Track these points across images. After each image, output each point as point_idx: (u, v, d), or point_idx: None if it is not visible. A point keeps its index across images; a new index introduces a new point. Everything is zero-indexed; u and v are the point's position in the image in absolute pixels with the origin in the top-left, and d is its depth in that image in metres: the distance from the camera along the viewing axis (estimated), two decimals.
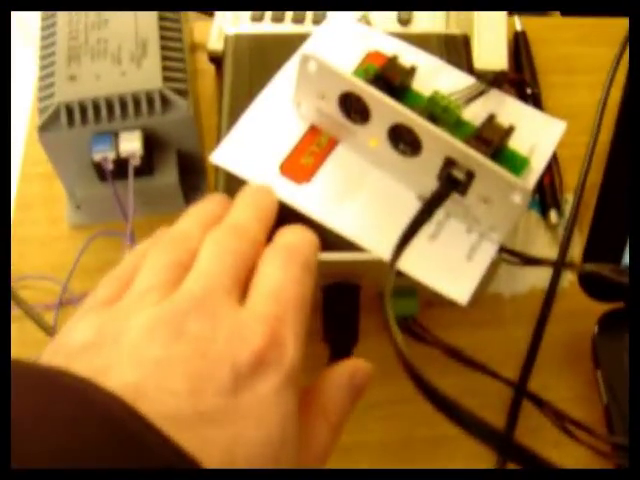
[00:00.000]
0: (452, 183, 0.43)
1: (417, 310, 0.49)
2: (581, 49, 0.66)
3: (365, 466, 0.49)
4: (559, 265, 0.53)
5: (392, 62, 0.47)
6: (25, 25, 1.36)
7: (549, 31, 0.67)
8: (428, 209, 0.42)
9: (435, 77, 0.49)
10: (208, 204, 0.41)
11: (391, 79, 0.46)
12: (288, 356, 0.32)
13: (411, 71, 0.47)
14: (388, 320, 0.38)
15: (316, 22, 0.60)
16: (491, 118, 0.46)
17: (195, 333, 0.31)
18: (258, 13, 0.61)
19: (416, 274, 0.44)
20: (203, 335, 0.31)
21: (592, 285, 0.50)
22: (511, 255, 0.45)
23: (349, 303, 0.48)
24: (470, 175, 0.42)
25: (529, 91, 0.61)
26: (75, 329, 0.32)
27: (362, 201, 0.46)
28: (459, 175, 0.42)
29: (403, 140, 0.44)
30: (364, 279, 0.47)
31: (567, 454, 0.46)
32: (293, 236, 0.39)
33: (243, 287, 0.35)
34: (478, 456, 0.49)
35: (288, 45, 0.52)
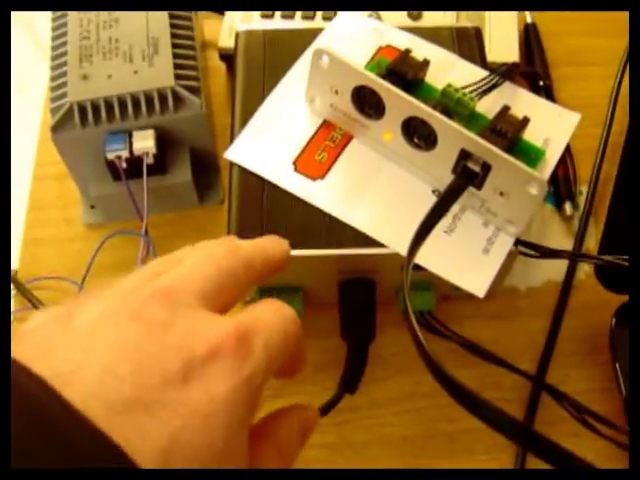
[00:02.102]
0: (468, 176, 0.43)
1: (434, 304, 0.49)
2: (592, 41, 0.66)
3: (385, 461, 0.49)
4: (576, 257, 0.53)
5: (404, 56, 0.47)
6: (33, 26, 1.37)
7: (559, 23, 0.67)
8: (445, 202, 0.42)
9: (448, 70, 0.49)
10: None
11: (404, 73, 0.46)
12: (251, 362, 0.30)
13: (424, 64, 0.47)
14: (407, 313, 0.38)
15: (327, 18, 0.60)
16: (505, 110, 0.46)
17: (152, 318, 0.29)
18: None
19: (433, 268, 0.44)
20: (161, 321, 0.29)
21: (609, 277, 0.49)
22: (528, 248, 0.45)
23: (365, 299, 0.48)
24: (486, 167, 0.42)
25: (541, 83, 0.61)
26: (35, 316, 0.31)
27: (377, 196, 0.46)
28: (475, 167, 0.42)
29: (417, 134, 0.44)
30: (380, 274, 0.47)
31: (586, 446, 0.46)
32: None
33: (222, 303, 0.33)
34: (498, 449, 0.48)
35: (300, 41, 0.52)
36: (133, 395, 0.26)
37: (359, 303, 0.47)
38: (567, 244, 0.56)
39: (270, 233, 0.44)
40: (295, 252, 0.44)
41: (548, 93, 0.61)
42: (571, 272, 0.54)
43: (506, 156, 0.41)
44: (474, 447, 0.49)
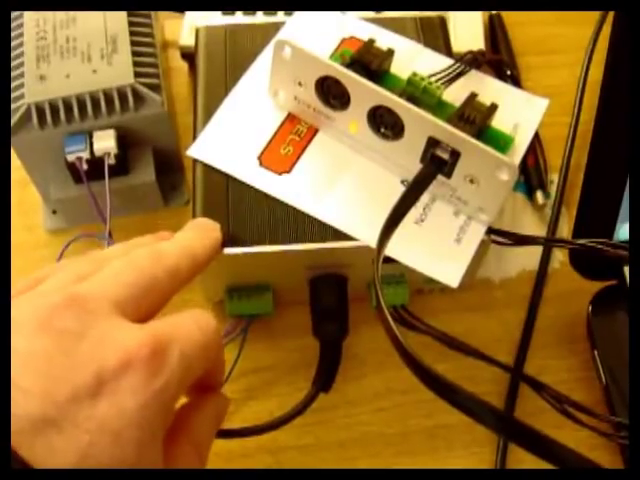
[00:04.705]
0: (437, 164, 0.42)
1: (407, 298, 0.48)
2: (558, 29, 0.65)
3: (363, 461, 0.47)
4: (548, 242, 0.52)
5: (368, 46, 0.46)
6: None
7: (524, 13, 0.66)
8: (413, 192, 0.41)
9: (413, 60, 0.49)
10: (148, 237, 0.39)
11: (368, 63, 0.45)
12: (164, 375, 0.29)
13: (388, 54, 0.46)
14: (380, 305, 0.37)
15: (288, 13, 0.59)
16: (472, 97, 0.45)
17: (63, 328, 0.28)
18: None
19: (405, 259, 0.43)
20: (72, 331, 0.28)
21: (583, 264, 0.49)
22: (500, 236, 0.44)
23: (337, 295, 0.47)
24: (455, 154, 0.41)
25: (508, 73, 0.61)
26: None
27: (345, 188, 0.45)
28: (444, 155, 0.41)
29: (384, 123, 0.44)
30: (351, 269, 0.46)
31: (568, 437, 0.45)
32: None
33: (143, 311, 0.32)
34: (477, 444, 0.48)
35: (261, 35, 0.51)
36: (41, 412, 0.26)
37: (330, 300, 0.46)
38: (540, 233, 0.55)
39: (236, 230, 0.43)
40: (262, 248, 0.43)
41: (515, 82, 0.60)
42: (545, 260, 0.53)
43: (475, 142, 0.40)
44: (453, 442, 0.48)
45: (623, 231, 0.47)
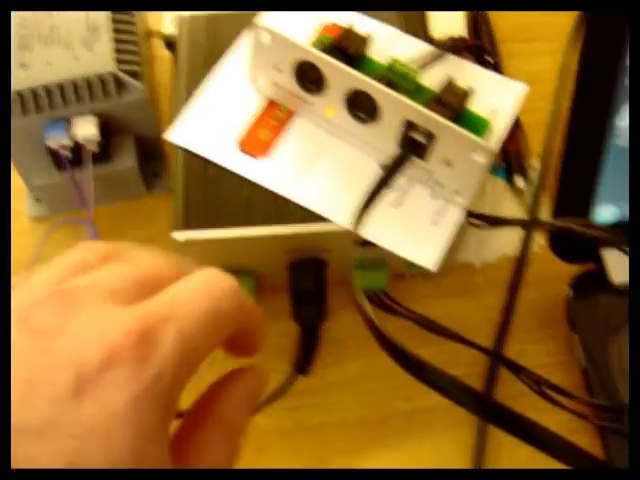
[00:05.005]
0: (412, 146, 0.42)
1: (387, 283, 0.48)
2: (540, 16, 0.65)
3: (342, 444, 0.48)
4: (529, 223, 0.52)
5: (347, 32, 0.46)
6: None
7: None
8: (389, 174, 0.42)
9: (392, 46, 0.49)
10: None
11: (346, 48, 0.45)
12: (157, 360, 0.25)
13: (366, 39, 0.46)
14: (354, 289, 0.37)
15: None
16: (450, 82, 0.45)
17: (41, 324, 0.25)
18: None
19: (382, 242, 0.43)
20: (50, 327, 0.25)
21: (563, 247, 0.49)
22: (478, 219, 0.44)
23: (316, 279, 0.47)
24: (430, 137, 0.41)
25: (489, 59, 0.61)
26: None
27: (323, 172, 0.45)
28: (419, 138, 0.42)
29: (361, 107, 0.44)
30: (331, 254, 0.46)
31: (547, 419, 0.45)
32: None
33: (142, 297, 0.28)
34: (456, 426, 0.48)
35: (243, 24, 0.51)
36: (20, 420, 0.24)
37: (309, 284, 0.47)
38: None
39: (216, 215, 0.44)
40: (242, 232, 0.44)
41: (496, 69, 0.60)
42: (526, 240, 0.53)
43: (450, 124, 0.40)
44: (432, 425, 0.48)
45: (600, 213, 0.48)
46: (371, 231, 0.41)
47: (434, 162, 0.42)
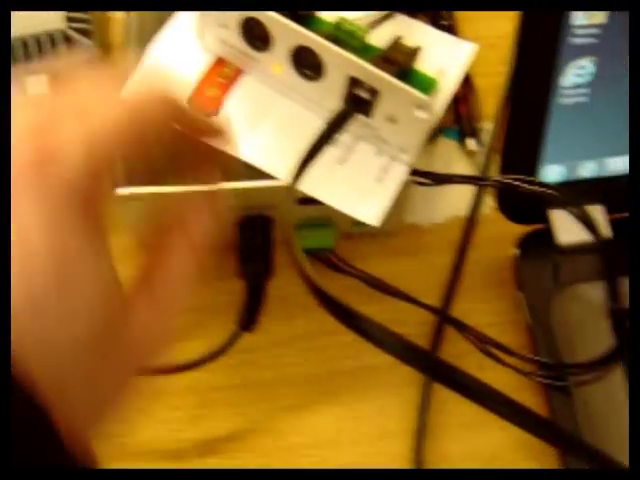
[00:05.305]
0: (356, 103, 0.42)
1: (334, 242, 0.48)
2: None
3: (289, 400, 0.48)
4: (475, 180, 0.52)
5: None
6: None
7: None
8: (330, 129, 0.42)
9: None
10: None
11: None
12: (53, 167, 0.25)
13: None
14: (294, 246, 0.37)
15: None
16: (397, 40, 0.45)
17: None
18: None
19: (324, 198, 0.43)
20: None
21: (511, 207, 0.49)
22: (422, 176, 0.44)
23: (263, 236, 0.47)
24: (374, 93, 0.41)
25: (444, 23, 0.61)
26: None
27: (268, 129, 0.45)
28: (363, 94, 0.41)
29: (307, 64, 0.44)
30: (277, 211, 0.47)
31: (492, 377, 0.45)
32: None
33: None
34: (402, 384, 0.48)
35: None
36: None
37: (254, 240, 0.47)
38: None
39: (160, 171, 0.43)
40: (185, 187, 0.43)
41: (452, 33, 0.60)
42: (475, 204, 0.53)
43: (393, 80, 0.40)
44: (378, 383, 0.49)
45: (546, 173, 0.48)
46: (314, 188, 0.41)
47: (378, 119, 0.42)
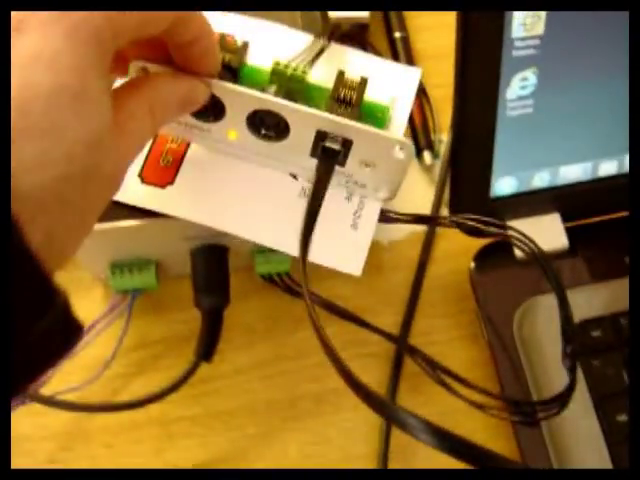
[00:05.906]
0: (329, 155, 0.41)
1: (289, 266, 0.48)
2: None
3: (251, 429, 0.48)
4: (429, 220, 0.51)
5: (221, 42, 0.42)
6: None
7: None
8: (319, 189, 0.41)
9: (270, 43, 0.45)
10: None
11: (228, 61, 0.42)
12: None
13: (243, 48, 0.43)
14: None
15: None
16: (341, 75, 0.43)
17: None
18: None
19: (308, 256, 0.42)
20: None
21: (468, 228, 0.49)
22: (395, 216, 0.44)
23: (218, 264, 0.47)
24: (346, 143, 0.40)
25: (397, 35, 0.60)
26: None
27: (234, 191, 0.43)
28: (335, 146, 0.41)
29: (265, 125, 0.42)
30: (231, 238, 0.45)
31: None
32: None
33: None
34: (366, 407, 0.47)
35: None
36: None
37: (208, 270, 0.47)
38: (429, 193, 0.55)
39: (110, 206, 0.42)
40: (135, 222, 0.43)
41: (405, 44, 0.60)
42: (431, 231, 0.54)
43: (364, 127, 0.39)
44: (341, 406, 0.49)
45: (499, 186, 0.48)
46: (292, 246, 0.40)
47: (353, 165, 0.42)
